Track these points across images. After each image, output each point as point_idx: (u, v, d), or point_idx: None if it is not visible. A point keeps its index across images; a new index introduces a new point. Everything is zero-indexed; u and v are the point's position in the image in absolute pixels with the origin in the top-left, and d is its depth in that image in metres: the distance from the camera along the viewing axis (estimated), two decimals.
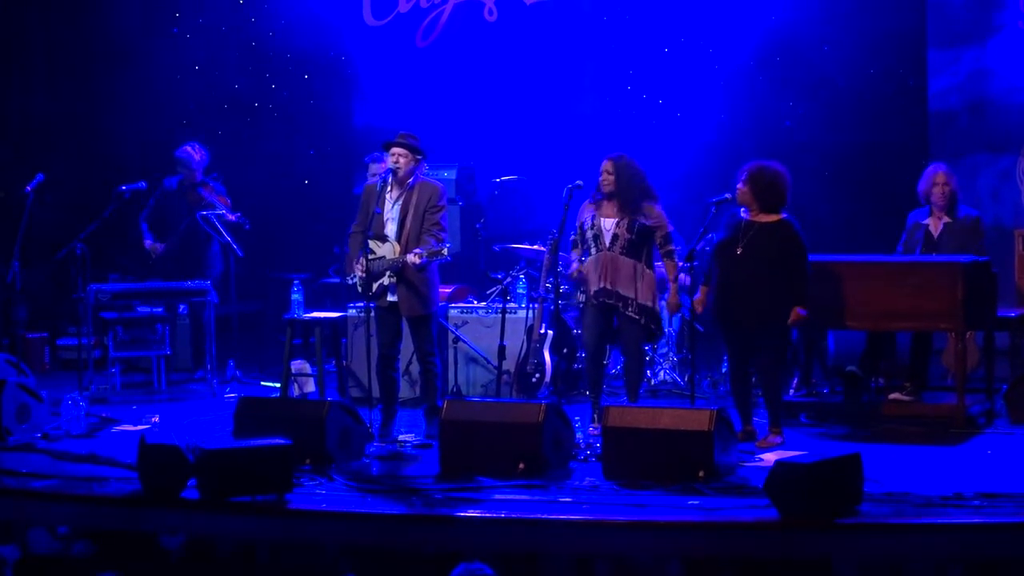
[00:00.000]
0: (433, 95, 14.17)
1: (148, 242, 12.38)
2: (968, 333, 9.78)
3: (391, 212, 9.56)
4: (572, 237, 9.81)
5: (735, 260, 9.08)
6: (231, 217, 12.09)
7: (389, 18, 14.79)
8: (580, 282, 9.69)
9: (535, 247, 11.49)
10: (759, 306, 9.00)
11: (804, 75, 13.47)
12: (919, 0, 13.38)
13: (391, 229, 9.53)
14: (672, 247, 9.62)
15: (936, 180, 10.14)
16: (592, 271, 9.54)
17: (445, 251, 9.32)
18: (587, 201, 9.73)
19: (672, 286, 9.60)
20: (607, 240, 9.52)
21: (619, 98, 14.08)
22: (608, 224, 9.53)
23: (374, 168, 11.56)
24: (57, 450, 9.26)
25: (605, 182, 9.54)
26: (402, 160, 9.50)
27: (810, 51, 13.42)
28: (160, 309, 12.10)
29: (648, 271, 9.53)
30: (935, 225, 10.15)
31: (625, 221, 9.50)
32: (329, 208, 13.83)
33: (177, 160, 12.41)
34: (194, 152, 12.41)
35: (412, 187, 9.53)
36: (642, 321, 9.52)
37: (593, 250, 9.56)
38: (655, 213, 9.59)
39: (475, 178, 13.62)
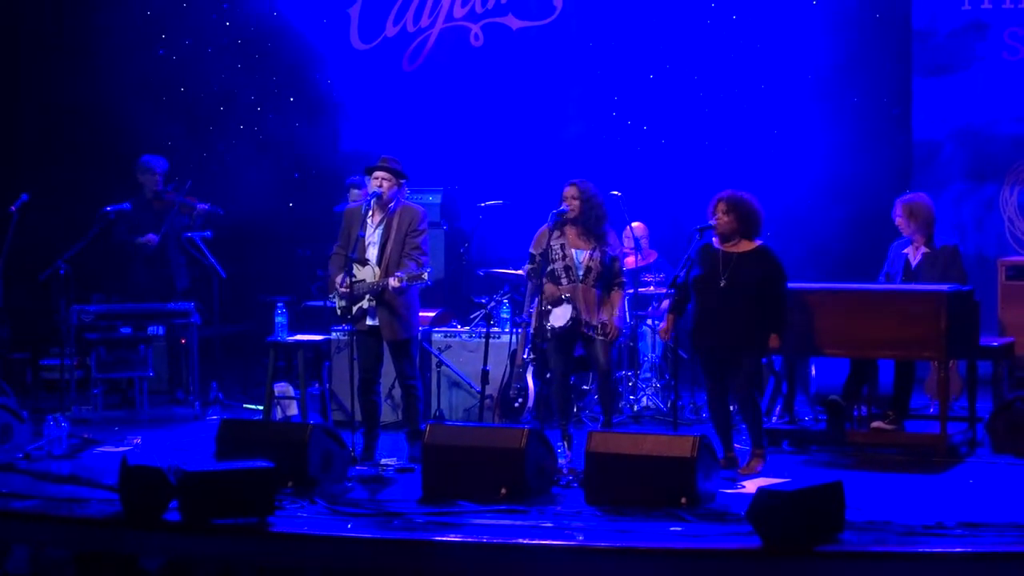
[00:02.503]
0: (419, 119, 14.20)
1: (141, 239, 12.17)
2: (951, 362, 9.79)
3: (373, 236, 9.54)
4: (527, 266, 9.76)
5: (718, 292, 9.01)
6: (203, 207, 12.05)
7: (376, 42, 14.84)
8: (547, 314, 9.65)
9: (519, 272, 11.49)
10: (739, 334, 8.97)
11: (788, 103, 13.54)
12: (904, 30, 13.48)
13: (372, 253, 9.51)
14: (623, 279, 9.65)
15: (896, 213, 10.16)
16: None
17: (425, 275, 9.31)
18: (545, 227, 9.66)
19: (614, 311, 9.57)
20: (580, 272, 9.51)
21: (604, 124, 14.13)
22: (581, 256, 9.52)
23: (355, 193, 11.55)
24: (38, 471, 9.21)
25: (570, 207, 9.52)
26: (385, 184, 9.49)
27: (794, 79, 13.50)
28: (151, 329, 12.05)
29: (613, 299, 9.57)
30: (914, 255, 10.17)
31: (597, 253, 9.51)
32: (314, 231, 13.83)
33: (140, 167, 12.37)
34: (155, 160, 12.41)
35: (394, 211, 9.53)
36: (611, 346, 9.54)
37: (564, 281, 9.53)
38: (615, 241, 9.63)
39: (459, 202, 13.63)
